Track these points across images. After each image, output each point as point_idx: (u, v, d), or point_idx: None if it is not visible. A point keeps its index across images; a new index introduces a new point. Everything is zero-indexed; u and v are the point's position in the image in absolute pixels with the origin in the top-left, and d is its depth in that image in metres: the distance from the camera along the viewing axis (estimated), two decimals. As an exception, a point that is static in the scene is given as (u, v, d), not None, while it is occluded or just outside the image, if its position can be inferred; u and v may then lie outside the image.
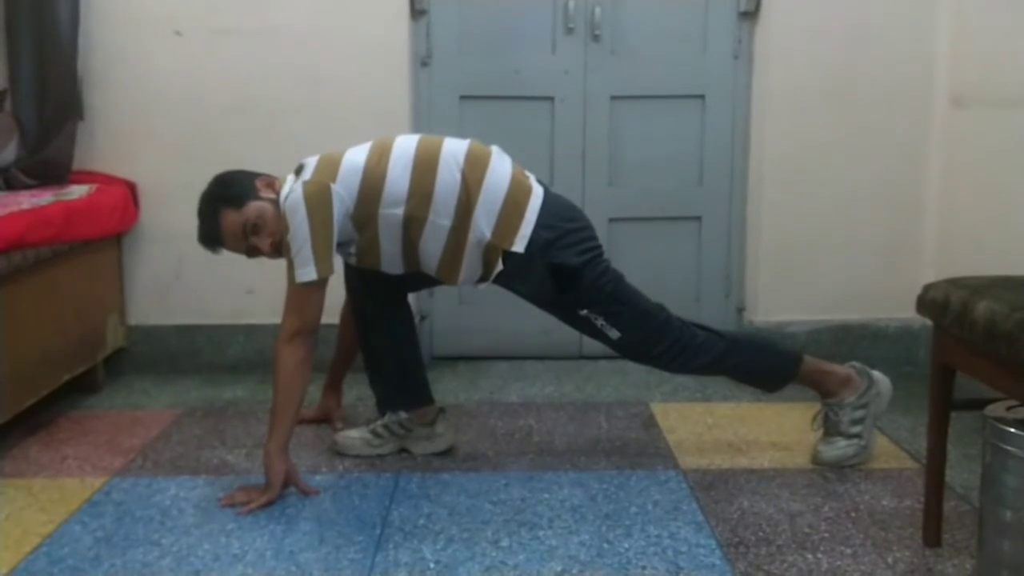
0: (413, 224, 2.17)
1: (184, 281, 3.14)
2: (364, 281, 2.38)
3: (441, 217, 2.16)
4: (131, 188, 3.05)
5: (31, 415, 2.60)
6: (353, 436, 2.43)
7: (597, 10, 3.13)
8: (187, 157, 3.03)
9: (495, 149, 2.27)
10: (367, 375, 2.47)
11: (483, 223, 2.16)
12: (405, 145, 2.21)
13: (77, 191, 2.84)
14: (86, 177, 2.99)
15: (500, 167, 2.22)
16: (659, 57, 3.18)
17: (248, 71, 3.05)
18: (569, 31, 3.16)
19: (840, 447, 2.33)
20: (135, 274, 3.14)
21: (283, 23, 3.03)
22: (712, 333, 2.31)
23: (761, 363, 2.37)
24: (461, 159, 2.18)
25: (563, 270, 2.18)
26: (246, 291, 3.10)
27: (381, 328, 2.41)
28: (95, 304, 2.94)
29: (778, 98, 3.10)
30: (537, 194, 2.22)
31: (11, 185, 2.88)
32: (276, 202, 2.17)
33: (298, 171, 2.21)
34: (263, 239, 2.19)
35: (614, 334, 2.24)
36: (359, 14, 3.03)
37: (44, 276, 2.59)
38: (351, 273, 2.41)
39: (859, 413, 2.34)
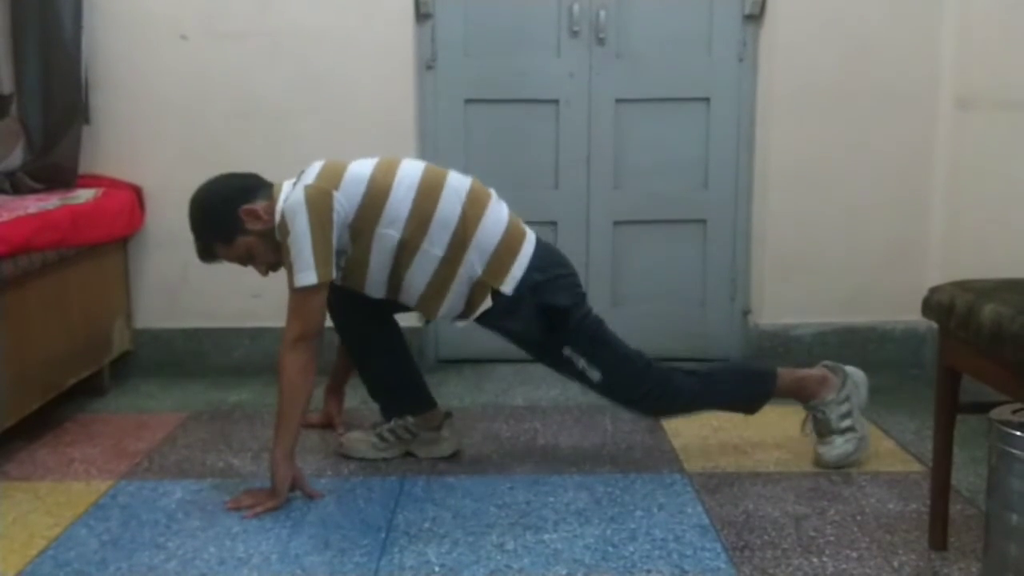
0: (407, 250, 2.17)
1: (190, 284, 3.14)
2: (346, 305, 2.37)
3: (435, 247, 2.17)
4: (137, 192, 3.06)
5: (37, 418, 2.60)
6: (359, 439, 2.43)
7: (602, 13, 3.13)
8: (193, 161, 3.03)
9: (493, 192, 2.30)
10: (366, 389, 2.47)
11: (475, 260, 2.18)
12: (411, 167, 2.23)
13: (83, 195, 2.85)
14: (92, 181, 3.00)
15: (499, 209, 2.26)
16: (664, 60, 3.19)
17: (253, 74, 3.05)
18: (574, 34, 3.16)
19: (839, 445, 2.33)
20: (141, 278, 3.15)
21: (288, 26, 3.04)
22: (686, 373, 2.34)
23: (740, 391, 2.39)
24: (464, 193, 2.21)
25: (553, 310, 2.21)
26: (252, 294, 3.10)
27: (370, 348, 2.42)
28: (101, 308, 2.95)
29: (783, 101, 3.10)
30: (531, 240, 2.26)
31: (17, 189, 2.89)
32: (262, 234, 2.18)
33: (298, 178, 2.21)
34: (258, 266, 2.26)
35: (595, 375, 2.26)
36: (364, 17, 3.04)
37: (50, 280, 2.60)
38: (334, 296, 2.41)
39: (844, 407, 2.35)
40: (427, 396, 2.46)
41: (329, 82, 3.06)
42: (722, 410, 2.48)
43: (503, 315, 2.22)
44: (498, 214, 2.24)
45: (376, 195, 2.16)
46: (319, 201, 2.10)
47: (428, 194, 2.18)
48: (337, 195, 2.12)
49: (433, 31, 3.15)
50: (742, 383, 2.41)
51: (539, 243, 2.28)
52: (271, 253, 2.20)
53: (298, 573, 1.85)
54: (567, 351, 2.25)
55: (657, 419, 2.60)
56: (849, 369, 2.40)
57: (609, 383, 2.28)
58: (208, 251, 2.27)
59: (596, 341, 2.26)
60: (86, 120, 3.01)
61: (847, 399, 2.35)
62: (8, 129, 2.96)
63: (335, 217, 2.11)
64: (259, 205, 2.19)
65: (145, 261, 3.15)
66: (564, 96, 3.19)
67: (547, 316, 2.21)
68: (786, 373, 2.37)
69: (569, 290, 2.26)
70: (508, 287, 2.19)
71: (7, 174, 2.92)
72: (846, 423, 2.34)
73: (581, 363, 2.25)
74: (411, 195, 2.17)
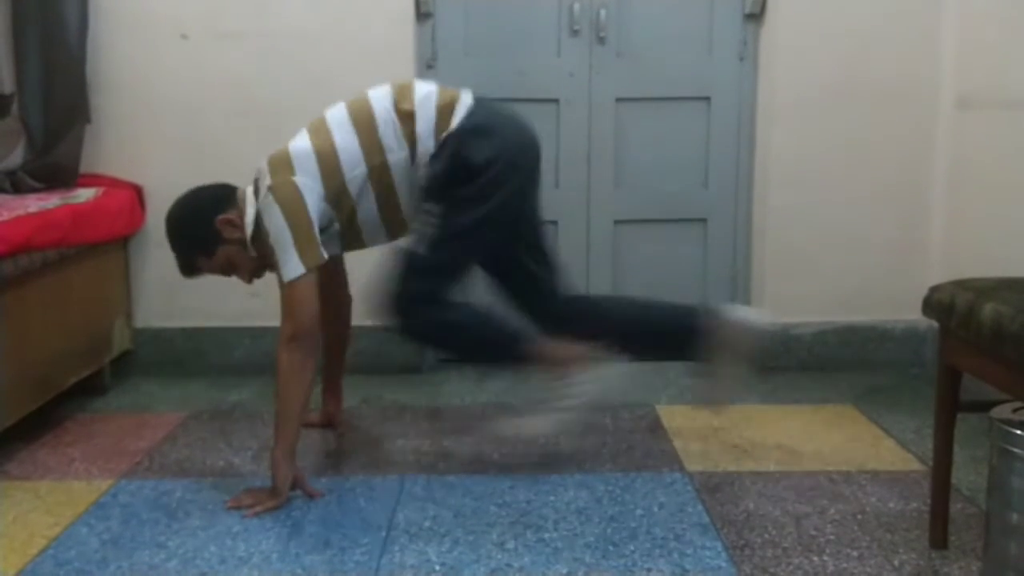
0: (380, 172, 2.22)
1: (190, 284, 3.10)
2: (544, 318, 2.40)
3: (395, 152, 2.21)
4: (137, 191, 3.06)
5: (38, 418, 2.60)
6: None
7: (602, 12, 3.13)
8: (193, 160, 3.03)
9: (416, 80, 2.33)
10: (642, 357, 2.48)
11: (426, 135, 2.21)
12: (336, 112, 2.27)
13: (84, 194, 2.85)
14: (93, 180, 3.00)
15: (425, 85, 2.29)
16: (664, 59, 3.19)
17: (254, 74, 3.05)
18: (574, 33, 3.16)
19: (538, 420, 2.34)
20: (141, 277, 3.15)
21: (289, 26, 3.04)
22: (479, 320, 2.27)
23: (499, 349, 2.32)
24: (391, 94, 2.25)
25: (461, 163, 2.19)
26: (252, 294, 3.09)
27: (604, 319, 2.44)
28: (102, 307, 2.95)
29: (784, 100, 3.10)
30: (466, 97, 2.27)
31: (18, 188, 2.89)
32: (242, 243, 2.21)
33: (254, 182, 2.23)
34: (241, 274, 2.29)
35: (421, 249, 2.22)
36: (365, 17, 3.04)
37: (51, 279, 2.60)
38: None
39: (567, 388, 2.30)
40: (684, 308, 2.41)
41: (329, 82, 3.05)
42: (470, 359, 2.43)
43: (432, 160, 2.21)
44: (426, 88, 2.27)
45: (326, 155, 2.20)
46: (285, 193, 2.13)
47: (363, 120, 2.22)
48: (297, 179, 2.15)
49: (433, 30, 3.15)
50: (502, 343, 2.32)
51: (478, 99, 2.28)
52: (251, 260, 2.23)
53: (299, 572, 1.85)
54: (428, 205, 2.21)
55: (414, 342, 2.43)
56: (604, 369, 2.34)
57: (411, 275, 2.20)
58: (190, 266, 2.30)
59: (458, 234, 2.20)
60: (87, 119, 3.01)
61: (575, 385, 2.29)
62: (9, 128, 2.96)
63: (307, 200, 2.14)
64: (232, 214, 2.23)
65: (145, 260, 3.15)
66: (564, 95, 3.19)
67: (455, 169, 2.19)
68: (547, 344, 2.30)
69: (485, 152, 2.19)
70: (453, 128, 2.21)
71: (8, 173, 2.92)
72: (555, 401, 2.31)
73: (425, 232, 2.21)
74: (350, 132, 2.21)
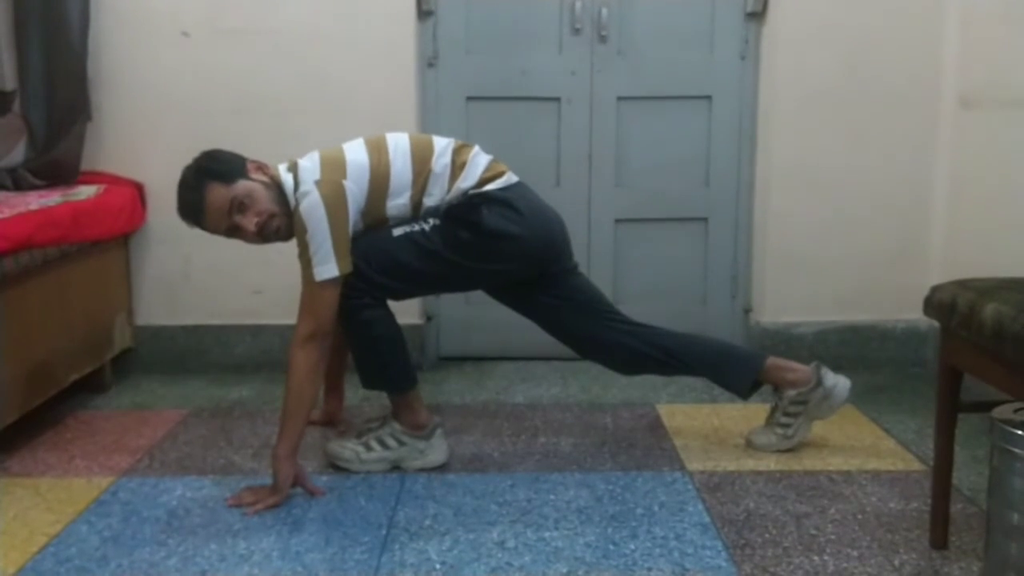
0: (414, 209, 2.26)
1: (191, 281, 3.14)
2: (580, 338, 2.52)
3: (433, 197, 2.25)
4: (139, 189, 3.06)
5: (38, 415, 2.60)
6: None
7: (604, 11, 3.13)
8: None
9: (476, 146, 2.35)
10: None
11: (459, 190, 2.26)
12: (399, 140, 2.29)
13: (85, 192, 2.85)
14: (94, 178, 3.00)
15: (484, 155, 2.33)
16: (666, 58, 3.18)
17: (255, 72, 3.05)
18: (576, 32, 3.16)
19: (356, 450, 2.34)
20: (143, 274, 3.15)
21: (290, 24, 3.04)
22: (384, 336, 2.27)
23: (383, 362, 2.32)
24: (452, 145, 2.30)
25: (472, 217, 2.23)
26: (253, 291, 3.11)
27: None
28: (103, 304, 2.95)
29: (785, 99, 3.09)
30: (511, 175, 2.31)
31: (19, 186, 2.89)
32: (267, 184, 2.20)
33: (291, 167, 2.23)
34: (248, 218, 2.17)
35: (403, 252, 2.23)
36: (366, 15, 3.04)
37: (52, 277, 2.60)
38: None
39: (418, 445, 2.34)
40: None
41: (330, 79, 3.06)
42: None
43: (453, 206, 2.26)
44: (480, 158, 2.31)
45: (379, 177, 2.22)
46: (334, 195, 2.14)
47: (422, 158, 2.26)
48: (348, 184, 2.17)
49: (435, 29, 3.15)
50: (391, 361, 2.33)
51: (521, 182, 2.33)
52: (272, 203, 2.18)
53: (299, 570, 1.85)
54: (409, 228, 2.24)
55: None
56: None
57: (372, 262, 2.20)
58: (198, 200, 2.17)
59: (400, 264, 2.22)
60: (88, 117, 3.01)
61: (424, 447, 2.34)
62: (10, 126, 2.96)
63: (350, 206, 2.16)
64: (264, 165, 2.26)
65: (146, 258, 3.15)
66: (566, 94, 3.19)
67: (471, 223, 2.23)
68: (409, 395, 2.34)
69: (503, 225, 2.24)
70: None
71: (9, 170, 2.92)
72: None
73: (407, 230, 2.24)
74: (408, 163, 2.25)
